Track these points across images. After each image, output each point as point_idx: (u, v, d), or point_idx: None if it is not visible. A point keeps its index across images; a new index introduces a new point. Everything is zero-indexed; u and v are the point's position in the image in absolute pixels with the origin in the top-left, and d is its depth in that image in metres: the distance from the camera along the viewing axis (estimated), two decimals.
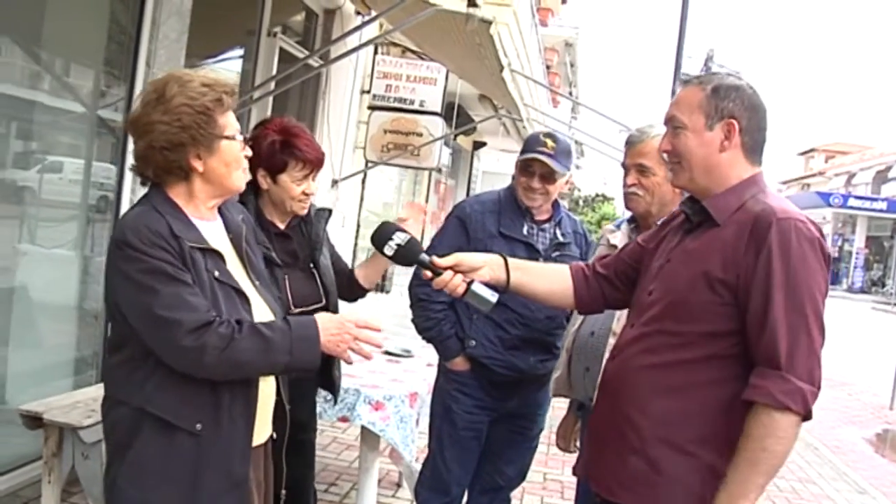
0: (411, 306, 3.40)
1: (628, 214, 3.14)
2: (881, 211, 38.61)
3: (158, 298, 1.89)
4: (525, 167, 3.29)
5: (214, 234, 2.13)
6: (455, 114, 10.65)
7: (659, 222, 2.53)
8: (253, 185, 2.91)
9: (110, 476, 2.03)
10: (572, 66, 32.69)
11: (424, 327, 3.36)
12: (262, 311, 2.13)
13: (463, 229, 3.31)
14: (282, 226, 3.01)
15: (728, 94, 2.07)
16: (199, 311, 1.91)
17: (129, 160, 4.39)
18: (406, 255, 2.32)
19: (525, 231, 3.30)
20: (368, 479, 3.81)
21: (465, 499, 3.56)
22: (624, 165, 2.99)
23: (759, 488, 1.90)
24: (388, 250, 2.31)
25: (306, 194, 2.95)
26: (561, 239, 3.36)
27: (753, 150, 2.11)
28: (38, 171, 4.32)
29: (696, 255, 2.05)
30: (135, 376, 1.97)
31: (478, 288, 2.26)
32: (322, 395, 3.40)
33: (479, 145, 19.48)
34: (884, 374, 10.74)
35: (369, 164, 8.88)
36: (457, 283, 2.27)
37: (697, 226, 2.13)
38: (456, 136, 13.09)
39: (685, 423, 2.01)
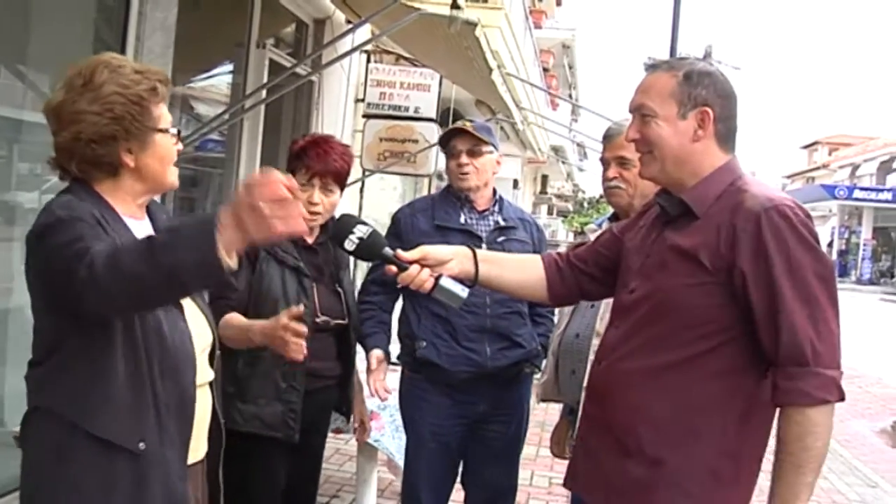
0: (360, 290, 3.34)
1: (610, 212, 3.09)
2: (887, 201, 38.50)
3: (76, 233, 1.71)
4: (450, 151, 3.30)
5: (143, 233, 1.95)
6: (451, 119, 10.63)
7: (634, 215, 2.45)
8: None
9: (28, 495, 1.86)
10: (570, 67, 32.72)
11: (361, 327, 3.22)
12: (197, 320, 2.02)
13: (394, 233, 3.29)
14: (310, 240, 2.95)
15: (701, 80, 2.00)
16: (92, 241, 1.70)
17: None
18: (369, 249, 2.17)
19: (463, 220, 3.27)
20: (367, 489, 3.78)
21: None
22: (603, 160, 2.92)
23: (808, 488, 1.86)
24: (350, 245, 2.15)
25: (311, 202, 2.85)
26: (503, 223, 3.32)
27: (727, 137, 2.04)
28: (28, 190, 4.29)
29: (678, 251, 1.99)
30: (67, 387, 1.80)
31: (446, 282, 2.15)
32: None
33: None
34: (893, 365, 10.66)
35: (366, 173, 8.85)
36: (424, 279, 2.15)
37: (675, 219, 2.05)
38: None
39: (682, 424, 1.96)
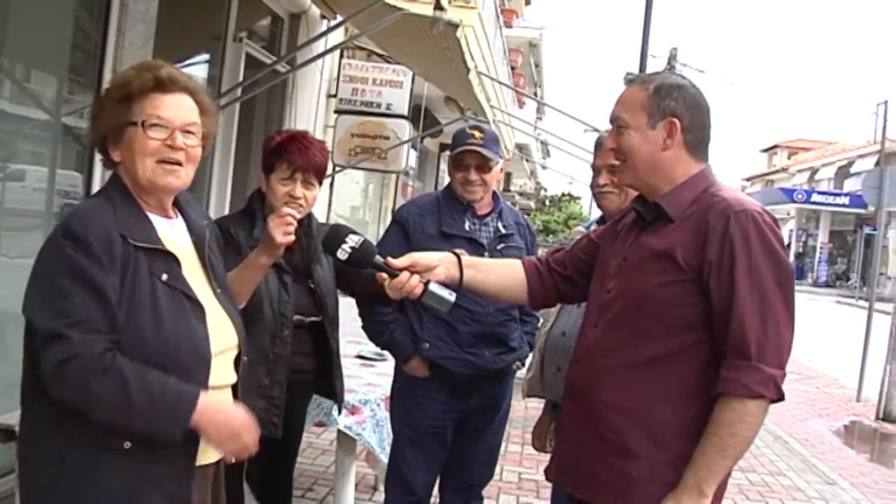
0: (360, 315, 3.40)
1: (597, 214, 3.18)
2: (844, 206, 39.05)
3: (66, 306, 1.75)
4: (458, 162, 3.33)
5: (174, 233, 2.00)
6: (422, 116, 10.67)
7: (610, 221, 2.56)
8: (260, 195, 3.03)
9: (26, 494, 1.87)
10: (537, 66, 32.84)
11: (375, 332, 3.38)
12: (219, 321, 2.02)
13: (403, 234, 3.34)
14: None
15: (670, 93, 2.10)
16: (91, 335, 1.75)
17: (98, 167, 4.38)
18: (361, 258, 2.21)
19: (467, 227, 3.34)
20: (346, 483, 3.81)
21: (436, 499, 3.57)
22: (594, 167, 3.03)
23: (725, 470, 1.98)
24: (342, 254, 2.20)
25: (292, 196, 2.89)
26: (504, 231, 3.40)
27: (697, 147, 2.14)
28: (1, 179, 4.27)
29: (654, 252, 2.09)
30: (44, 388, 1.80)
31: (435, 288, 2.21)
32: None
33: (445, 147, 19.48)
34: (850, 366, 10.90)
35: (337, 169, 8.86)
36: (414, 284, 2.21)
37: (650, 223, 2.16)
38: (423, 138, 13.10)
39: (662, 417, 2.05)
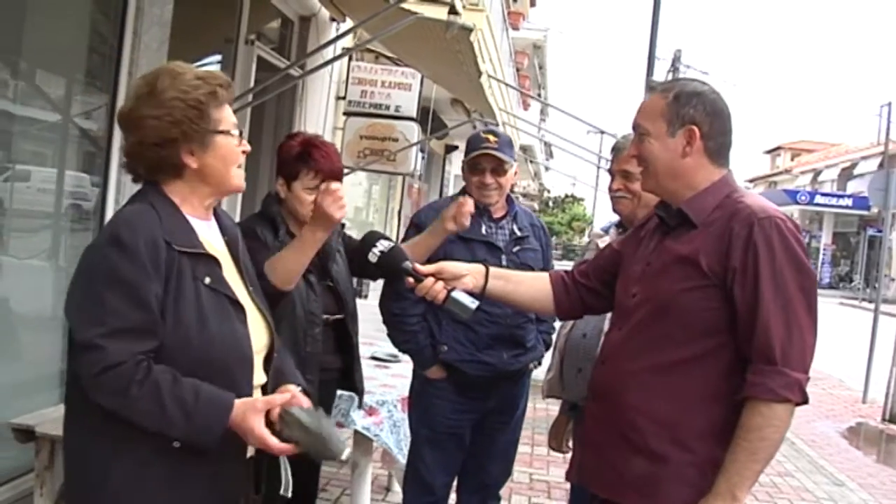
0: (385, 322, 3.45)
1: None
2: (847, 207, 39.08)
3: (105, 315, 1.77)
4: (474, 166, 3.37)
5: (212, 235, 2.04)
6: (431, 118, 10.70)
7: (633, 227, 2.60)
8: (277, 199, 3.00)
9: (73, 494, 1.91)
10: (541, 68, 32.93)
11: (401, 340, 3.43)
12: (255, 321, 2.05)
13: None
14: None
15: (689, 100, 2.13)
16: (128, 345, 1.77)
17: (114, 169, 4.41)
18: (390, 262, 2.37)
19: (484, 230, 3.38)
20: (362, 484, 3.85)
21: (453, 498, 3.61)
22: (610, 171, 3.08)
23: (756, 475, 2.00)
24: (372, 257, 2.36)
25: None
26: (519, 233, 3.44)
27: (718, 153, 2.17)
28: (17, 181, 4.30)
29: (677, 257, 2.12)
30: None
31: (458, 295, 2.31)
32: None
33: (451, 149, 19.54)
34: (855, 368, 10.92)
35: (346, 171, 8.89)
36: (438, 290, 2.32)
37: (673, 228, 2.19)
38: (429, 140, 13.14)
39: (685, 420, 2.08)
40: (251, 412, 1.84)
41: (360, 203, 14.41)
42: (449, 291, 2.32)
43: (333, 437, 1.87)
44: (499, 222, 3.43)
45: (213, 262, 1.97)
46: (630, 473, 2.12)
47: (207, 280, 1.93)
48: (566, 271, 2.58)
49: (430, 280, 2.33)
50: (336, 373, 3.12)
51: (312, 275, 2.95)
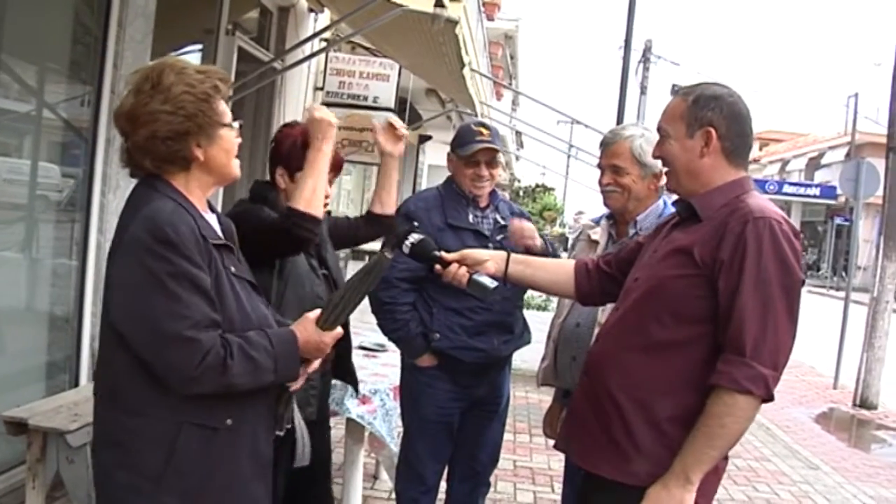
0: (375, 311, 3.49)
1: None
2: (815, 197, 39.49)
3: (181, 308, 1.84)
4: (468, 158, 3.43)
5: (216, 226, 2.09)
6: (408, 109, 10.70)
7: (639, 217, 2.83)
8: (272, 186, 2.96)
9: (136, 494, 1.92)
10: (512, 58, 32.93)
11: (392, 329, 3.47)
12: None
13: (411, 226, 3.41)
14: None
15: (707, 103, 2.21)
16: (208, 330, 1.88)
17: (100, 161, 4.39)
18: (420, 251, 2.58)
19: (471, 219, 3.47)
20: (354, 471, 3.89)
21: (443, 486, 3.67)
22: (600, 166, 3.14)
23: (712, 460, 2.06)
24: (406, 248, 2.58)
25: (326, 196, 2.89)
26: (503, 222, 3.51)
27: (735, 154, 2.24)
28: (6, 173, 4.28)
29: (677, 246, 2.19)
30: (150, 383, 1.90)
31: (479, 277, 2.52)
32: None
33: (424, 139, 19.51)
34: (826, 355, 11.11)
35: None
36: (461, 274, 2.53)
37: (683, 220, 2.27)
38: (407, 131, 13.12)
39: (662, 402, 2.14)
40: (307, 322, 2.08)
41: (334, 193, 14.37)
42: (471, 275, 2.51)
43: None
44: (484, 211, 3.51)
45: (231, 251, 2.07)
46: (608, 447, 2.20)
47: (233, 269, 2.02)
48: (591, 258, 2.68)
49: (455, 266, 2.53)
50: (330, 363, 3.13)
51: (314, 259, 2.96)
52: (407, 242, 2.58)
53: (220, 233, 2.08)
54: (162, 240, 1.86)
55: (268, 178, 3.02)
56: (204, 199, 2.09)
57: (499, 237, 3.46)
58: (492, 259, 2.57)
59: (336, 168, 2.96)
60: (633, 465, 2.14)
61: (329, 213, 3.25)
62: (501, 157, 3.53)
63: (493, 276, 2.52)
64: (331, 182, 2.93)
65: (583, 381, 2.39)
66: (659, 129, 2.31)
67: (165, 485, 1.90)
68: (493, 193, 3.58)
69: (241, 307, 2.00)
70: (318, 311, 2.10)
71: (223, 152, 2.05)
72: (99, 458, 2.01)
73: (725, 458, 2.19)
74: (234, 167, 2.10)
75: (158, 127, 1.94)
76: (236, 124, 2.09)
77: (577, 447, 2.35)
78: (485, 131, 3.44)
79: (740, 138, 2.24)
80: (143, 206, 1.93)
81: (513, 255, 2.62)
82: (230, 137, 2.06)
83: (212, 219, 2.09)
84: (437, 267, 2.57)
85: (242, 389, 1.94)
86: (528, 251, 3.41)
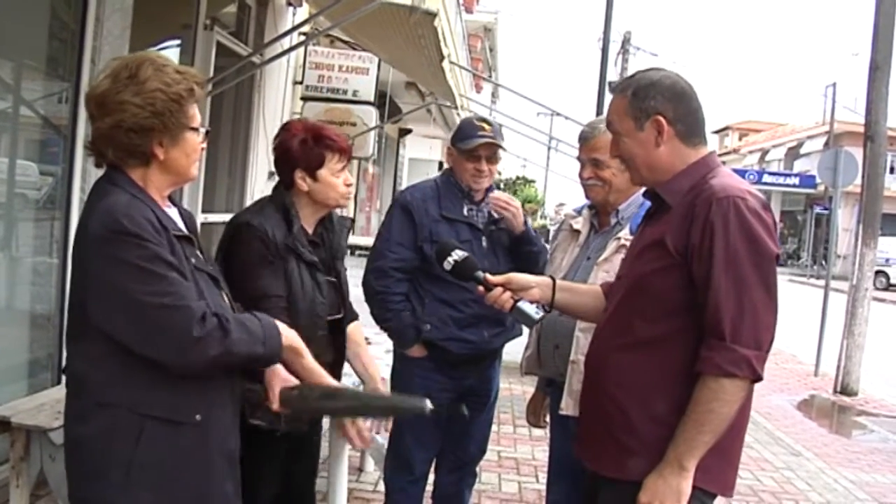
0: (368, 300, 3.49)
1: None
2: (794, 186, 39.72)
3: (165, 286, 1.85)
4: (469, 153, 3.45)
5: (178, 220, 2.09)
6: (388, 102, 10.70)
7: (620, 207, 2.86)
8: (286, 192, 2.83)
9: (106, 484, 1.92)
10: (491, 50, 32.95)
11: (384, 318, 3.48)
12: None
13: (409, 217, 3.46)
14: (311, 232, 2.88)
15: (647, 92, 2.19)
16: (198, 301, 1.89)
17: (79, 157, 4.36)
18: (462, 270, 2.57)
19: (465, 212, 3.49)
20: (339, 465, 3.88)
21: (431, 477, 3.69)
22: (580, 159, 3.14)
23: (704, 445, 2.05)
24: (447, 265, 2.57)
25: (348, 185, 2.85)
26: (495, 216, 3.51)
27: (690, 133, 2.22)
28: None
29: (651, 240, 2.19)
30: (118, 376, 1.90)
31: (524, 305, 2.47)
32: None
33: (404, 132, 19.52)
34: (807, 342, 11.20)
35: None
36: (505, 299, 2.47)
37: (654, 212, 2.28)
38: (386, 124, 13.13)
39: (660, 397, 2.14)
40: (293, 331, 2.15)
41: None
42: (515, 301, 2.46)
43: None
44: (478, 205, 3.53)
45: (192, 243, 2.06)
46: (610, 446, 2.20)
47: (193, 260, 2.01)
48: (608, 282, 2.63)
49: (499, 290, 2.48)
50: (327, 367, 3.07)
51: (322, 273, 2.84)
52: (449, 259, 2.57)
53: (181, 225, 2.08)
54: (120, 231, 1.85)
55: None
56: (161, 196, 2.06)
57: (491, 228, 3.49)
58: (538, 286, 2.51)
59: (348, 153, 2.87)
60: (637, 462, 2.14)
61: (353, 220, 3.23)
62: (501, 153, 3.56)
63: (536, 302, 2.48)
64: (345, 168, 2.86)
65: (584, 384, 2.41)
66: (609, 127, 2.31)
67: (135, 477, 1.89)
68: (488, 188, 3.60)
69: (202, 298, 1.97)
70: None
71: (184, 155, 2.05)
72: (69, 449, 2.00)
73: (737, 443, 2.20)
74: (193, 170, 2.10)
75: (125, 118, 1.93)
76: (203, 129, 2.08)
77: (586, 450, 2.34)
78: (487, 126, 3.46)
79: (690, 116, 2.22)
80: (98, 201, 1.93)
81: (559, 283, 2.55)
82: (194, 141, 2.06)
83: (173, 212, 2.09)
84: (480, 288, 2.52)
85: (238, 360, 1.96)
86: (510, 230, 3.47)
